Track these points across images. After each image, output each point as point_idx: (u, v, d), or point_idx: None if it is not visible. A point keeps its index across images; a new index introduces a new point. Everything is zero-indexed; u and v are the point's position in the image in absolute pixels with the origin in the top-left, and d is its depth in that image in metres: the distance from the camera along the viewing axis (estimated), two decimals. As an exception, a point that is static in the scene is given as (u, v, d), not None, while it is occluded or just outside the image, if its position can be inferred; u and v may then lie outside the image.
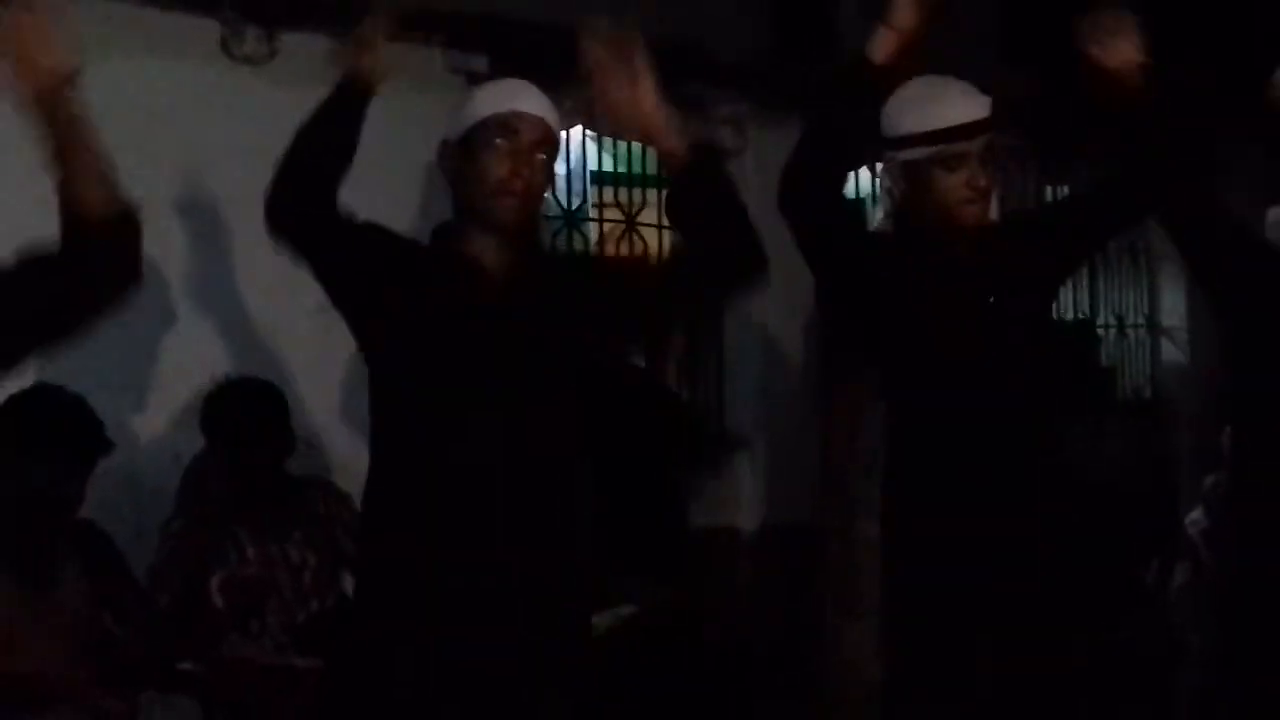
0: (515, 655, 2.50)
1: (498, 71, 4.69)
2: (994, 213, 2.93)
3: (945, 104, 2.83)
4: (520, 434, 2.55)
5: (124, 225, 2.30)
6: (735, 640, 4.23)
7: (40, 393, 3.27)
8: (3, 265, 2.29)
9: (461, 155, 2.64)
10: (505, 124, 2.61)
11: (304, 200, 2.59)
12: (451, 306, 2.60)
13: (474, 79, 4.60)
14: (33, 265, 2.26)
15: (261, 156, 4.13)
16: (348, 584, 3.73)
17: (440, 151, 2.69)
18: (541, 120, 2.66)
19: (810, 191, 2.81)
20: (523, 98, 2.68)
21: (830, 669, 4.45)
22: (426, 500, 2.52)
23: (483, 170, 2.60)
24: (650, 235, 5.55)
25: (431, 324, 2.58)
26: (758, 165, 5.65)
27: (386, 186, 4.27)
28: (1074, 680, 2.86)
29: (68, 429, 3.28)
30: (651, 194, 5.64)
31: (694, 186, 2.68)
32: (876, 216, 3.07)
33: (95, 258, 2.26)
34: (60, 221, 2.26)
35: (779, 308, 5.53)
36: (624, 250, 5.50)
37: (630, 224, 5.46)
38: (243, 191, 4.11)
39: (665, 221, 5.73)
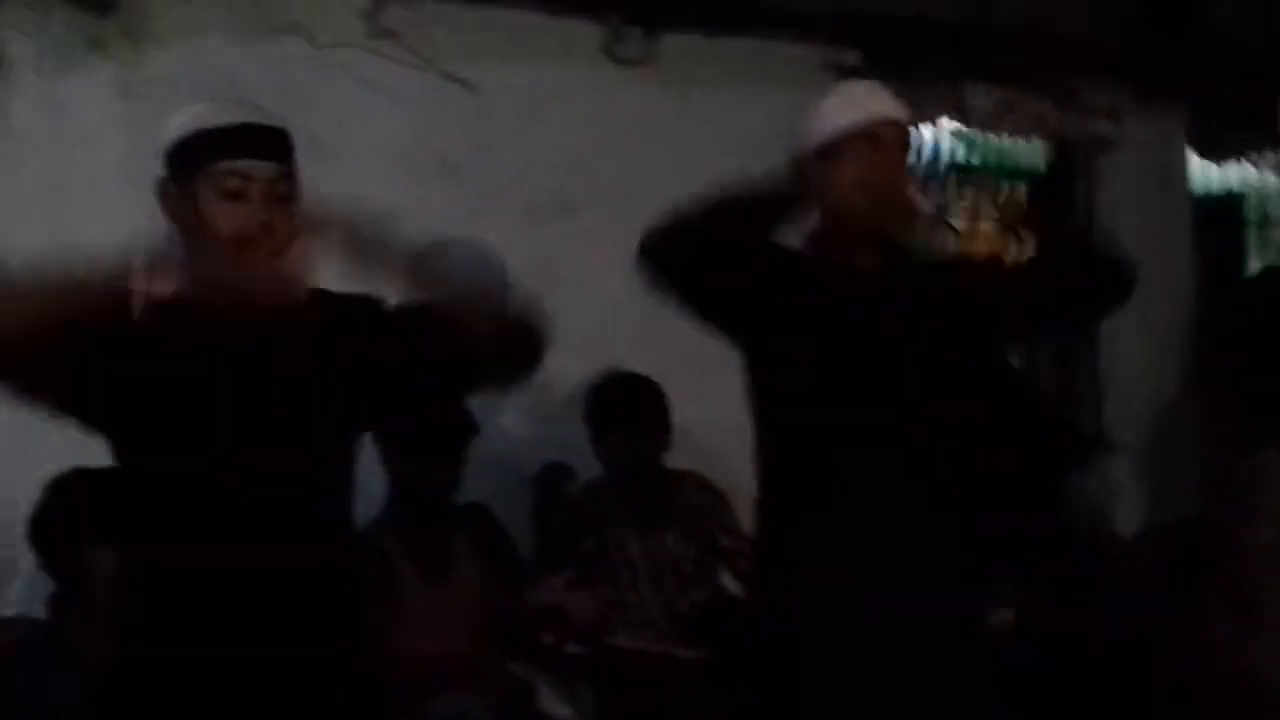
0: (922, 653, 2.49)
1: (870, 66, 4.70)
2: None
3: None
4: (924, 432, 2.54)
5: (518, 340, 2.39)
6: (1118, 644, 4.09)
7: None
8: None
9: (823, 165, 2.63)
10: (870, 134, 2.60)
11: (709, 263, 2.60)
12: (834, 313, 2.61)
13: (845, 74, 4.62)
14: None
15: (642, 156, 4.33)
16: (723, 578, 3.79)
17: (795, 163, 2.67)
18: (902, 125, 2.65)
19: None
20: (883, 104, 2.65)
21: (1227, 675, 4.25)
22: (826, 504, 2.53)
23: (852, 180, 2.59)
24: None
25: (818, 331, 2.59)
26: (1133, 153, 5.50)
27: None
28: None
29: (434, 414, 3.42)
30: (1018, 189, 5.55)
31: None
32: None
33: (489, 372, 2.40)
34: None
35: (1156, 303, 5.36)
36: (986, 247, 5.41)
37: (998, 219, 5.37)
38: (624, 190, 4.30)
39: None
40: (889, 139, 2.61)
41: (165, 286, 2.12)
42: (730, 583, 3.71)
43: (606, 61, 4.17)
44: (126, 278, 2.11)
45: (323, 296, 2.30)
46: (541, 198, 4.10)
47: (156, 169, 3.43)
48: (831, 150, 2.61)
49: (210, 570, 2.16)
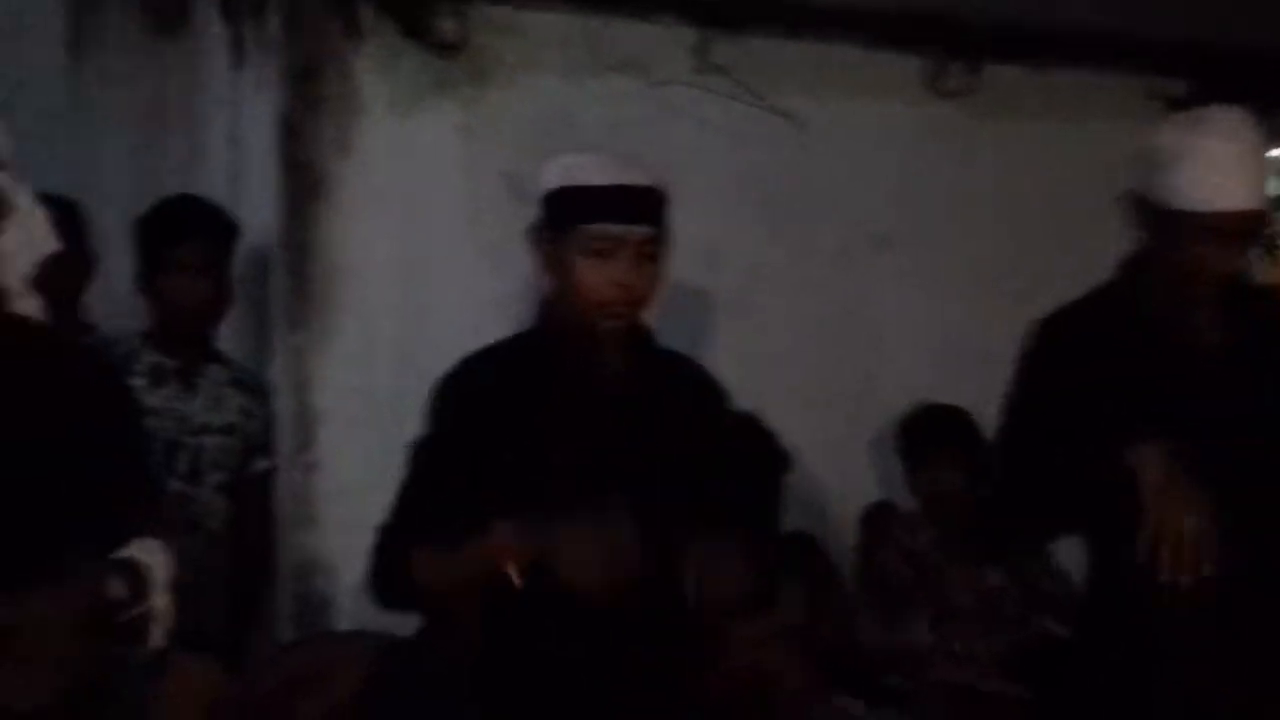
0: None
1: (1197, 97, 4.57)
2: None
3: None
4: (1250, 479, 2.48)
5: None
6: None
7: None
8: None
9: (1158, 224, 2.48)
10: (1213, 227, 2.41)
11: None
12: (1161, 372, 2.53)
13: (1172, 105, 4.51)
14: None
15: (963, 190, 4.32)
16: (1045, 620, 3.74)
17: (1131, 201, 2.56)
18: (1249, 214, 2.44)
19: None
20: (1234, 194, 2.42)
21: None
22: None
23: (1184, 261, 2.47)
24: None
25: (1141, 388, 2.52)
26: None
27: (1090, 215, 4.27)
28: None
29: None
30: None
31: None
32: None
33: None
34: None
35: None
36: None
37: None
38: (943, 224, 4.30)
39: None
40: (1232, 230, 2.43)
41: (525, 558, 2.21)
42: (1052, 625, 3.66)
43: (929, 94, 4.16)
44: (500, 561, 2.21)
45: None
46: (859, 232, 4.13)
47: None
48: (1169, 219, 2.45)
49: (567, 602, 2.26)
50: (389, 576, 2.35)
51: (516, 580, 2.18)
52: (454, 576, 2.26)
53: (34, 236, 2.15)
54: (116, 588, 2.06)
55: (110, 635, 2.08)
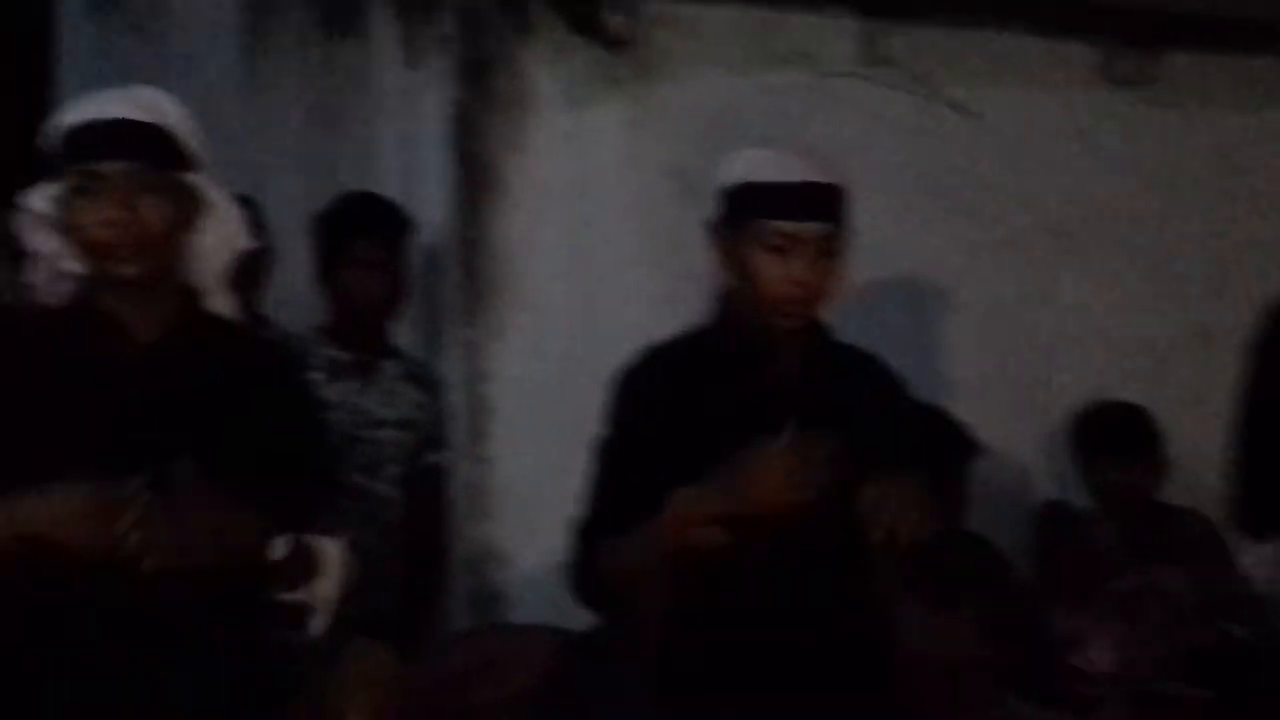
0: None
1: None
2: None
3: None
4: None
5: None
6: None
7: None
8: None
9: None
10: None
11: None
12: None
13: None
14: None
15: (1139, 178, 4.23)
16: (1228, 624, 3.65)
17: None
18: None
19: None
20: None
21: None
22: None
23: None
24: None
25: None
26: None
27: (1270, 203, 4.18)
28: None
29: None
30: None
31: None
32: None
33: None
34: None
35: None
36: None
37: None
38: (1119, 214, 4.22)
39: None
40: None
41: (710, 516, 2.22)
42: (1234, 628, 3.58)
43: (1103, 82, 4.08)
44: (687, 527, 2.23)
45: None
46: (1033, 223, 4.07)
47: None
48: None
49: (754, 601, 2.28)
50: (585, 574, 2.37)
51: (712, 541, 2.19)
52: (641, 560, 2.26)
53: (229, 234, 2.21)
54: (280, 547, 2.13)
55: (270, 580, 2.14)
